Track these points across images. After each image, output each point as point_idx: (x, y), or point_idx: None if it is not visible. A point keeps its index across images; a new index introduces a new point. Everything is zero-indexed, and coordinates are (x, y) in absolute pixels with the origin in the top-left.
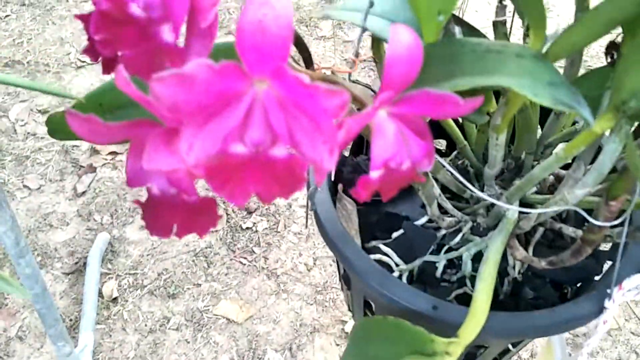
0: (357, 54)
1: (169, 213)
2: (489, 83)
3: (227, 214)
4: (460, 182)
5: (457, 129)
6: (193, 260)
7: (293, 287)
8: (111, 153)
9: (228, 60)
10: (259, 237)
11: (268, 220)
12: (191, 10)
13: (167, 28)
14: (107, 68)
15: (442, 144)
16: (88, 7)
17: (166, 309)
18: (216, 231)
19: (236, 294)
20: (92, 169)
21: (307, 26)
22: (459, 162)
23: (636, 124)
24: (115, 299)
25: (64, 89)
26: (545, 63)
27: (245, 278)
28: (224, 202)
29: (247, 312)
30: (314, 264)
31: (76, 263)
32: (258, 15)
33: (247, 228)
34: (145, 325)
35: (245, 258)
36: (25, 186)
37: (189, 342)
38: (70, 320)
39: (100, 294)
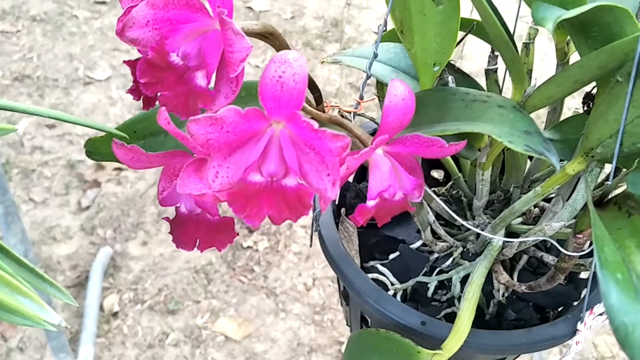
0: (361, 97)
1: (193, 229)
2: (472, 129)
3: None
4: (448, 212)
5: (452, 162)
6: (193, 277)
7: (292, 307)
8: (116, 169)
9: (251, 107)
10: (259, 256)
11: (269, 240)
12: (222, 61)
13: (200, 75)
14: (147, 105)
15: (440, 174)
16: (98, 25)
17: (165, 324)
18: None
19: (235, 312)
20: (96, 184)
21: (312, 49)
22: (454, 191)
23: None
24: (116, 313)
25: (71, 104)
26: (523, 113)
27: (244, 296)
28: None
29: (246, 330)
30: (313, 284)
31: (78, 276)
32: (279, 72)
33: (248, 247)
34: (145, 340)
35: (245, 276)
36: (30, 199)
37: (187, 359)
38: (71, 333)
39: (101, 308)
